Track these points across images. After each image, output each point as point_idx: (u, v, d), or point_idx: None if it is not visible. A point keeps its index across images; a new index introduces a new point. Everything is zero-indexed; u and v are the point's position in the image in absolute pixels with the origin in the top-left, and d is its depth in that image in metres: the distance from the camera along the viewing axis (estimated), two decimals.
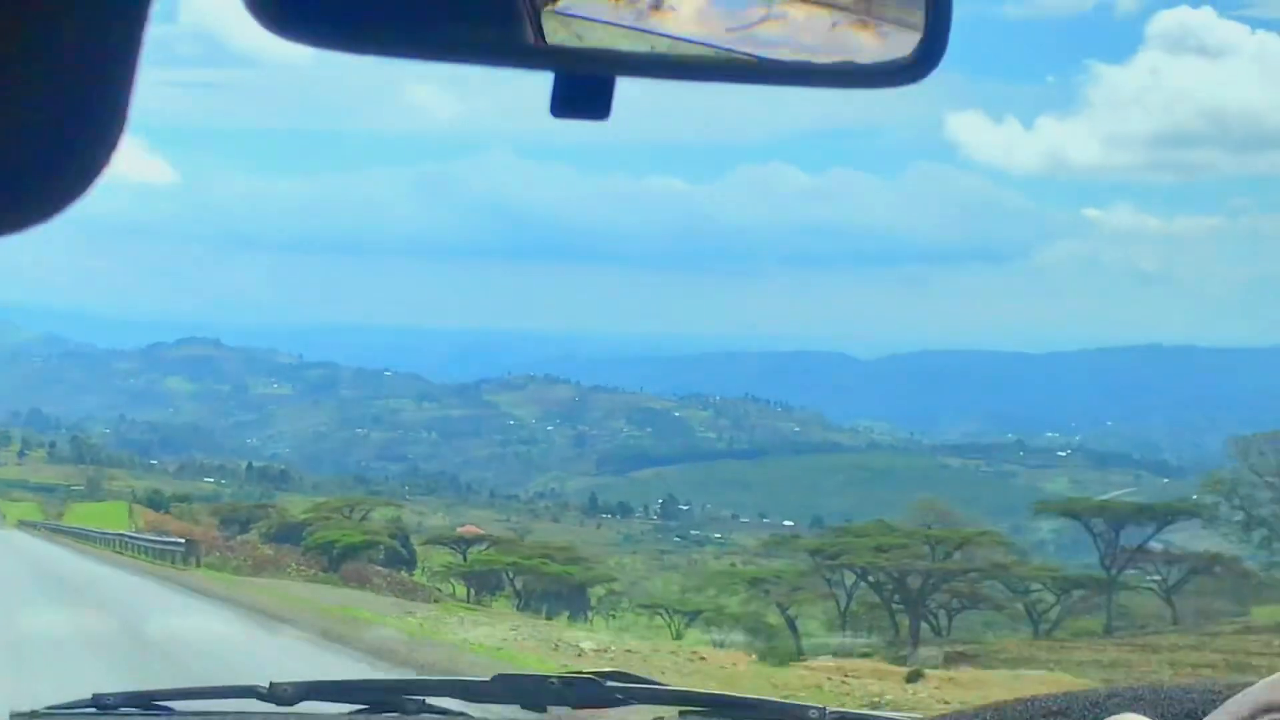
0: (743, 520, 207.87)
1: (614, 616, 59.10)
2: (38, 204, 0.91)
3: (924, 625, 51.37)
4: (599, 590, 59.49)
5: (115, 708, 2.45)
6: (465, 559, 60.07)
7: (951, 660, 35.48)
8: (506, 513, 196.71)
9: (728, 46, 1.34)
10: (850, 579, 53.50)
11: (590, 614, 57.82)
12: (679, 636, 49.42)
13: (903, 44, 1.39)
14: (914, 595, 50.97)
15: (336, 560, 55.57)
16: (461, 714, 2.34)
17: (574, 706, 2.57)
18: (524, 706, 2.56)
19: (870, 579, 52.43)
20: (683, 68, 1.30)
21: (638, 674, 2.73)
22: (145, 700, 2.49)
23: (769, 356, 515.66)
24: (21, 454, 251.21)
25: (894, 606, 52.18)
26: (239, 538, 70.68)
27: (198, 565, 45.88)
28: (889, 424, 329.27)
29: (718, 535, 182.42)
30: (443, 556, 63.82)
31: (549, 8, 1.22)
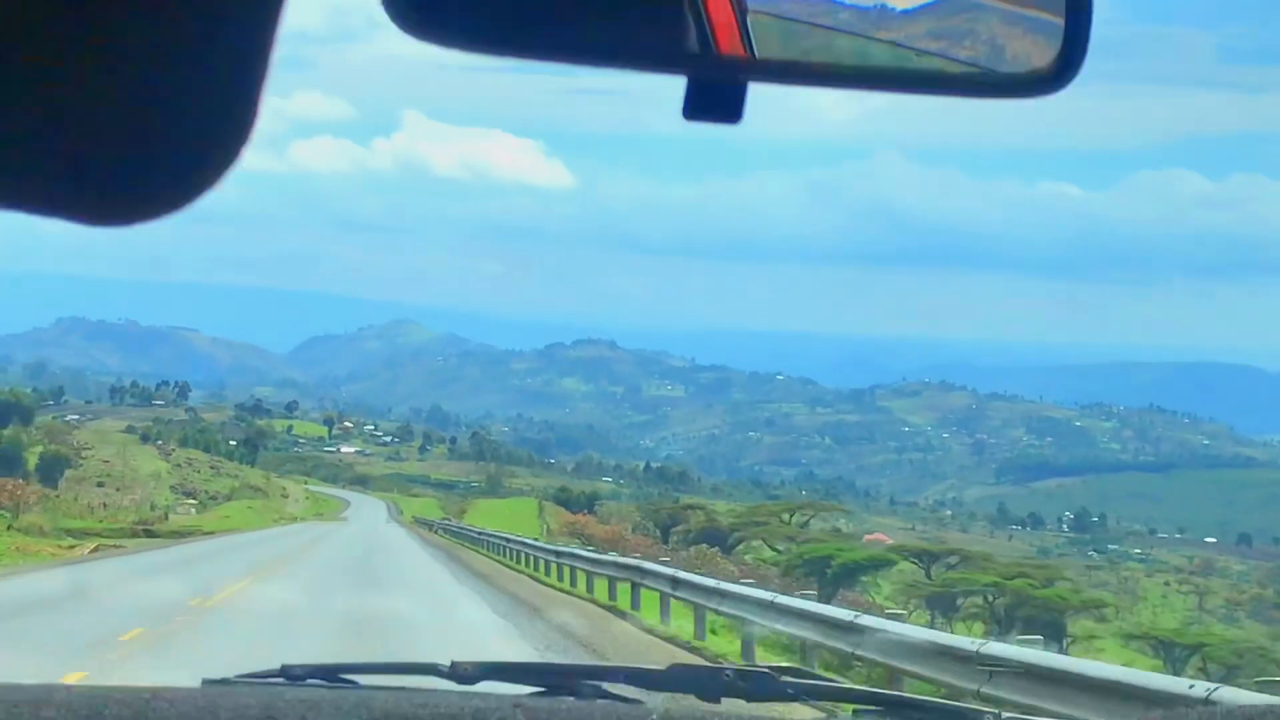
0: (1160, 535, 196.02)
1: (1100, 651, 49.23)
2: (169, 194, 0.92)
3: None
4: (1084, 620, 50.11)
5: (302, 679, 2.50)
6: (929, 576, 51.95)
7: None
8: (910, 520, 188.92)
9: (863, 51, 1.31)
10: None
11: (1066, 645, 48.42)
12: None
13: (1043, 53, 1.34)
14: None
15: (833, 579, 47.72)
16: (636, 701, 2.29)
17: (748, 699, 2.55)
18: (699, 697, 2.54)
19: None
20: (813, 75, 1.29)
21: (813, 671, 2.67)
22: (331, 673, 2.54)
23: (1172, 367, 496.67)
24: (423, 450, 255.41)
25: None
26: (665, 543, 63.85)
27: None
28: None
29: (1137, 551, 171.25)
30: (896, 571, 55.61)
31: (683, 12, 1.21)
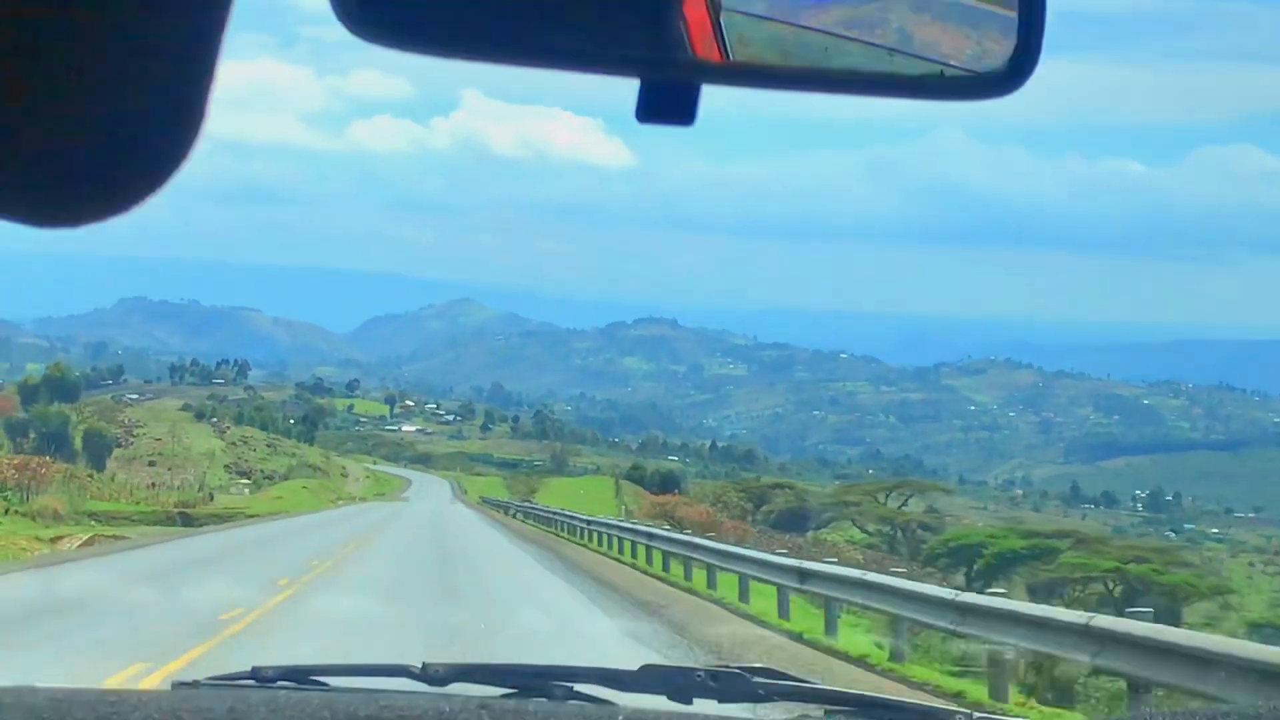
0: (1236, 515, 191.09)
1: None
2: (113, 197, 0.91)
3: None
4: (1208, 605, 45.89)
5: (273, 680, 2.51)
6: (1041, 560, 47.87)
7: None
8: (981, 500, 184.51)
9: (815, 52, 1.29)
10: None
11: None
12: None
13: (996, 53, 1.31)
14: None
15: (986, 571, 43.60)
16: (606, 702, 2.28)
17: (720, 700, 2.54)
18: (670, 698, 2.53)
19: None
20: (764, 76, 1.26)
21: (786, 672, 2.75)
22: (302, 674, 2.55)
23: (1241, 345, 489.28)
24: (485, 428, 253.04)
25: None
26: (751, 523, 59.98)
27: None
28: None
29: (1214, 531, 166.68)
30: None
31: (638, 15, 1.20)
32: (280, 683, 2.51)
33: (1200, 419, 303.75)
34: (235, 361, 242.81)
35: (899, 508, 74.41)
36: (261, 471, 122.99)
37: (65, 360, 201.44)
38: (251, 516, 63.05)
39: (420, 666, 2.61)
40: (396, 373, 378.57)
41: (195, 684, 2.46)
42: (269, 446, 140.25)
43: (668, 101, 1.18)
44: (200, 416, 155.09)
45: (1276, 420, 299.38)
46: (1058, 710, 14.04)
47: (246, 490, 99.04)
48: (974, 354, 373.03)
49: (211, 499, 78.16)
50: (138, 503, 66.33)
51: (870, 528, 70.06)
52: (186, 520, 58.71)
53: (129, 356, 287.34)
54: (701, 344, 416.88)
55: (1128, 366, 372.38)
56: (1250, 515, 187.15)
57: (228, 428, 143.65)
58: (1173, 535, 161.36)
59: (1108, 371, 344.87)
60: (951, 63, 1.26)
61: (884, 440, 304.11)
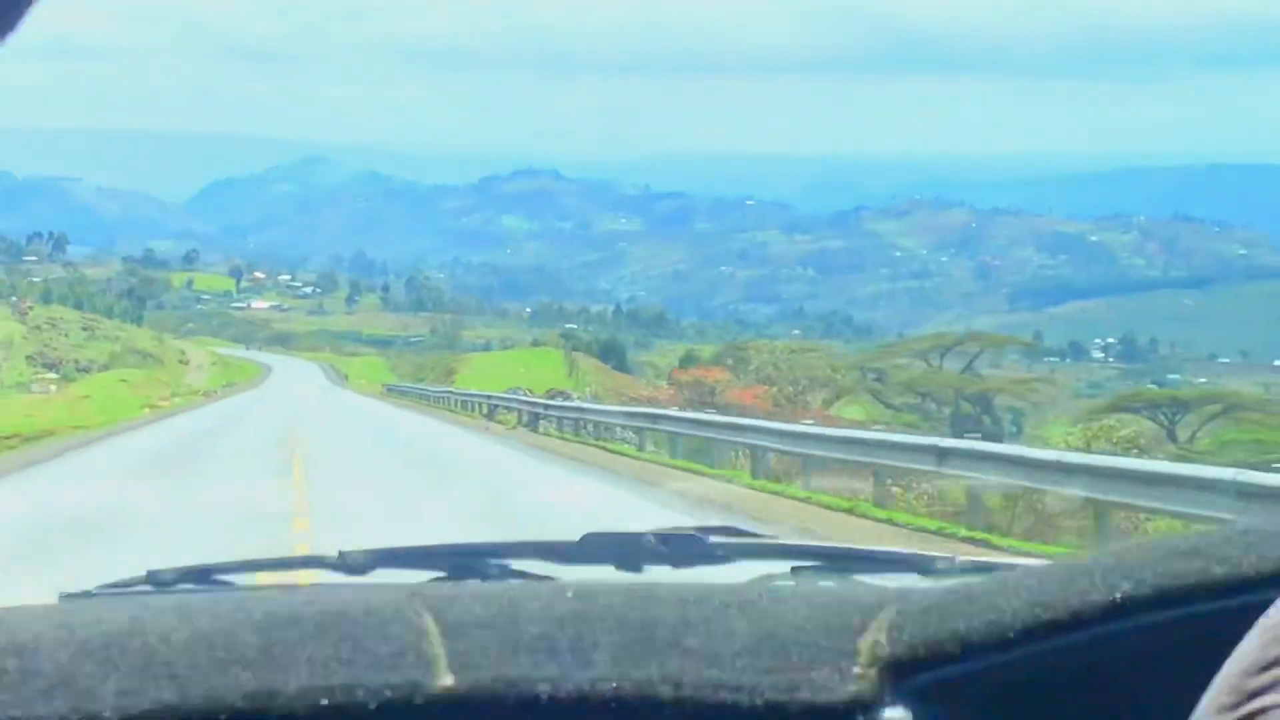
0: (1222, 361, 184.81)
1: None
2: None
3: None
4: None
5: (172, 584, 2.46)
6: (1174, 438, 38.96)
7: None
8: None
9: None
10: None
11: None
12: None
13: None
14: None
15: None
16: (548, 578, 2.28)
17: (674, 565, 2.52)
18: (618, 567, 2.51)
19: None
20: None
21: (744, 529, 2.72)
22: (204, 575, 2.50)
23: (1191, 171, 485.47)
24: (350, 300, 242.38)
25: None
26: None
27: None
28: None
29: (1202, 380, 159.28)
30: None
31: None
32: (180, 586, 2.46)
33: (1157, 255, 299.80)
34: (50, 235, 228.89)
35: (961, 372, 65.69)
36: (75, 362, 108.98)
37: None
38: (27, 440, 40.37)
39: (338, 555, 2.56)
40: (241, 243, 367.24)
41: (86, 594, 2.41)
42: (85, 330, 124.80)
43: None
44: None
45: (1242, 251, 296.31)
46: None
47: (52, 387, 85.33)
48: (897, 195, 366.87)
49: None
50: None
51: (896, 401, 60.67)
52: None
53: None
54: (588, 196, 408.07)
55: (1069, 201, 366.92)
56: (1239, 360, 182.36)
57: (30, 308, 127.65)
58: (1156, 388, 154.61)
59: (1048, 207, 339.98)
60: None
61: (802, 295, 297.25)
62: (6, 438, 38.37)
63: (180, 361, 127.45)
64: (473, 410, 56.90)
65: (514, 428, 45.36)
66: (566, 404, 46.47)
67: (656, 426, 33.39)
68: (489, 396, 56.12)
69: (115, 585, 2.50)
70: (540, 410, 45.79)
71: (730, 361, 64.87)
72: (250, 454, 32.66)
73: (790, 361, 61.44)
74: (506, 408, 51.44)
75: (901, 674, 1.21)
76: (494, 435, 42.66)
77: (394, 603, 1.43)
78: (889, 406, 59.80)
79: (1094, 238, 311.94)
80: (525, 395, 52.71)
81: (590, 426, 39.33)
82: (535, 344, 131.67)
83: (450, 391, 68.04)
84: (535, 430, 43.21)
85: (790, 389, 53.49)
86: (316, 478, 25.53)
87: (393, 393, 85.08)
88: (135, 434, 43.44)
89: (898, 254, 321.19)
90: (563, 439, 39.02)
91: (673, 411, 36.08)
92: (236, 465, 29.85)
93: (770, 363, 60.88)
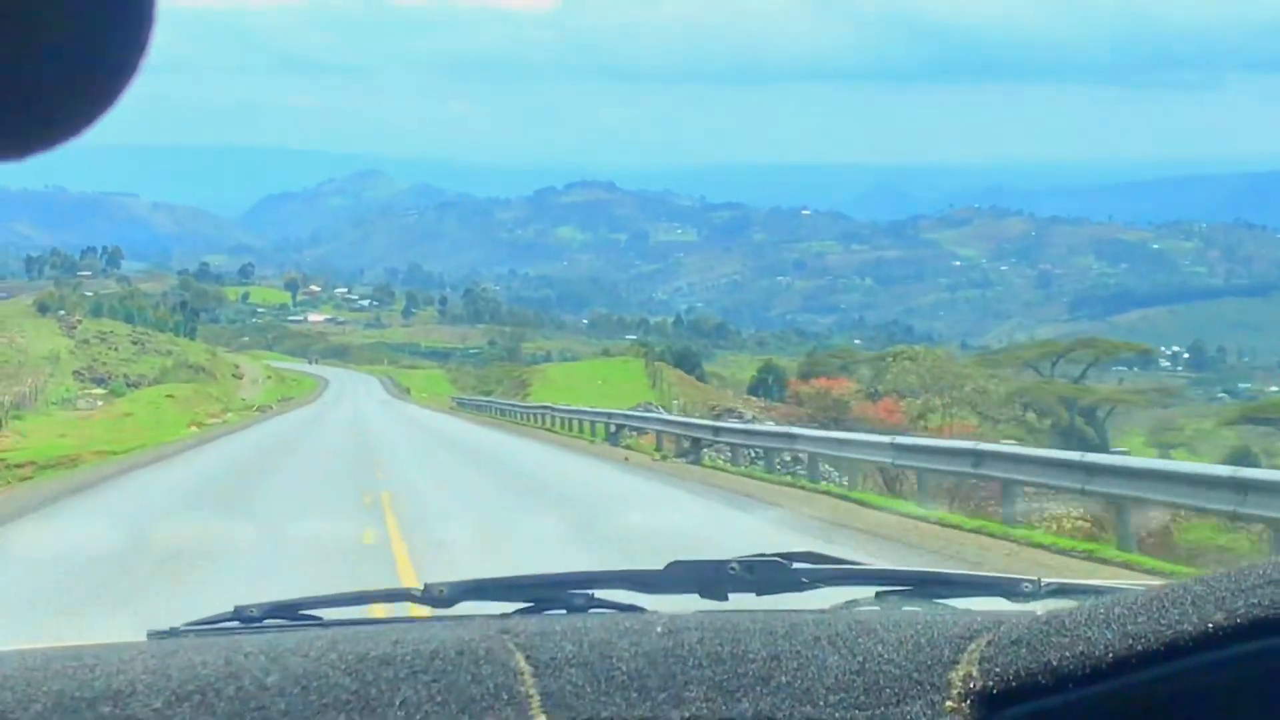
0: None
1: None
2: (53, 128, 0.90)
3: None
4: None
5: (259, 620, 2.48)
6: None
7: None
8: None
9: None
10: None
11: None
12: None
13: None
14: None
15: None
16: (634, 607, 2.28)
17: (758, 592, 2.53)
18: (703, 595, 2.51)
19: None
20: None
21: (826, 554, 2.74)
22: (291, 610, 2.53)
23: (1252, 177, 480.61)
24: (407, 313, 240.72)
25: None
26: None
27: None
28: None
29: (1274, 389, 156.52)
30: None
31: None
32: (269, 621, 2.47)
33: (1218, 262, 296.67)
34: (104, 250, 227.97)
35: (1074, 380, 63.54)
36: (125, 377, 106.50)
37: None
38: (43, 470, 36.71)
39: (422, 589, 2.57)
40: (296, 257, 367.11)
41: (174, 632, 2.40)
42: (135, 344, 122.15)
43: None
44: (45, 310, 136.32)
45: None
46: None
47: (99, 403, 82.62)
48: (953, 204, 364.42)
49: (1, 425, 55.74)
50: None
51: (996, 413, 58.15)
52: None
53: None
54: (643, 208, 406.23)
55: (1129, 208, 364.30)
56: None
57: (79, 321, 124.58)
58: (1227, 398, 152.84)
59: (1108, 214, 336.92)
60: None
61: (861, 305, 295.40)
62: (19, 466, 34.82)
63: (234, 375, 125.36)
64: (576, 429, 47.79)
65: (664, 457, 34.88)
66: (741, 426, 35.83)
67: (873, 457, 24.02)
68: (609, 415, 44.93)
69: (202, 622, 2.50)
70: (707, 436, 34.33)
71: (831, 368, 62.09)
72: (318, 493, 25.02)
73: (936, 371, 57.84)
74: (639, 429, 41.27)
75: (993, 707, 1.19)
76: (646, 470, 31.44)
77: (485, 640, 1.44)
78: (987, 418, 57.00)
79: (1155, 245, 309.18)
80: (662, 413, 45.32)
81: (753, 453, 31.34)
82: (606, 354, 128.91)
83: (546, 407, 57.54)
84: (698, 462, 32.44)
85: (936, 400, 51.15)
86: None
87: (464, 407, 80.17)
88: (168, 466, 33.87)
89: (957, 263, 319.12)
90: (748, 475, 28.82)
91: (903, 438, 24.86)
92: (297, 516, 19.49)
93: (913, 370, 57.58)
